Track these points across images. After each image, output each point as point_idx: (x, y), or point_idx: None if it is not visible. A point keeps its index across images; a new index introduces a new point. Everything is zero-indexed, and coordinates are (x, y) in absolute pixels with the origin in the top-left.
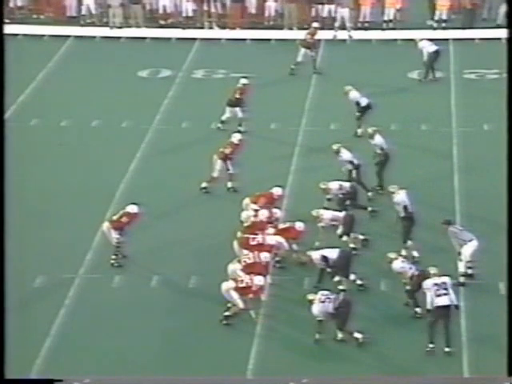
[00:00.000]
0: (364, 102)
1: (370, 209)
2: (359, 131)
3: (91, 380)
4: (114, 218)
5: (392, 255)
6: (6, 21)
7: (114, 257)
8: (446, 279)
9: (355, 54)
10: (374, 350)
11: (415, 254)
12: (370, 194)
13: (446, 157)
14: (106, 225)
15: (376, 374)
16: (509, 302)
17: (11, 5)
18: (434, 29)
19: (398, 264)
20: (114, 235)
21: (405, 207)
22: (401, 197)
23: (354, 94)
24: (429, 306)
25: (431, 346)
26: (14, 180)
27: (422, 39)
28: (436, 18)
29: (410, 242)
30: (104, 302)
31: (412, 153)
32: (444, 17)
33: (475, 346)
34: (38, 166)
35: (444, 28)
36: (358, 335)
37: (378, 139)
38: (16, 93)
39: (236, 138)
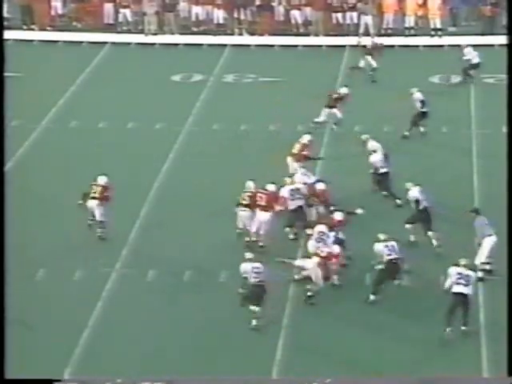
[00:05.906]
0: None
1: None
2: (407, 133)
3: (123, 380)
4: (96, 195)
5: (381, 236)
6: (48, 28)
7: (100, 230)
8: (472, 273)
9: (378, 59)
10: (392, 347)
11: (434, 242)
12: (398, 201)
13: (465, 157)
14: (93, 202)
15: (394, 371)
16: (508, 302)
17: (53, 13)
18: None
19: (378, 247)
20: (101, 211)
21: (416, 201)
22: (413, 192)
23: (417, 95)
24: (445, 288)
25: (448, 329)
26: (54, 179)
27: (467, 45)
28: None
29: (430, 233)
30: (138, 297)
31: (433, 153)
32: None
33: (494, 342)
34: (76, 165)
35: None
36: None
37: (371, 144)
38: (56, 96)
39: (305, 138)
